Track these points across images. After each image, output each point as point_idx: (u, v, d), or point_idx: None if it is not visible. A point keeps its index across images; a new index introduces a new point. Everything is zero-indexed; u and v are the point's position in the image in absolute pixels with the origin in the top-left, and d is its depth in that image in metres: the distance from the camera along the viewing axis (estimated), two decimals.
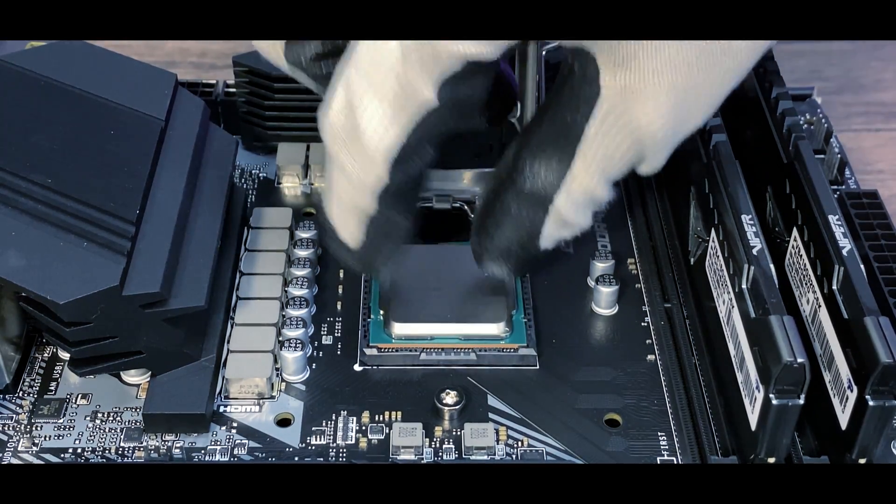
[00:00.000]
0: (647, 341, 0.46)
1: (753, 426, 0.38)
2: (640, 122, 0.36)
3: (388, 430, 0.42)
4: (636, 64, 0.35)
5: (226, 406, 0.43)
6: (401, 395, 0.43)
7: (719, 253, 0.42)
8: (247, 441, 0.41)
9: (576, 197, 0.38)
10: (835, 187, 0.52)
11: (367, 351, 0.44)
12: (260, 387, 0.43)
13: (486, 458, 0.41)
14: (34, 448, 0.41)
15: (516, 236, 0.40)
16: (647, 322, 0.46)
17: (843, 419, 0.38)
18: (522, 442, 0.42)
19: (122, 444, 0.41)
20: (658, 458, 0.41)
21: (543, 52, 0.47)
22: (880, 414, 0.36)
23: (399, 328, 0.44)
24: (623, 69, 0.35)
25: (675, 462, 0.41)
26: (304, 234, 0.49)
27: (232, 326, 0.45)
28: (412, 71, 0.35)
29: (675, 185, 0.51)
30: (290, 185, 0.53)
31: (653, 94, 0.35)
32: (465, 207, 0.51)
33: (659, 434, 0.42)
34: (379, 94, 0.35)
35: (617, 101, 0.36)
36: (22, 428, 0.42)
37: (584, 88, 0.36)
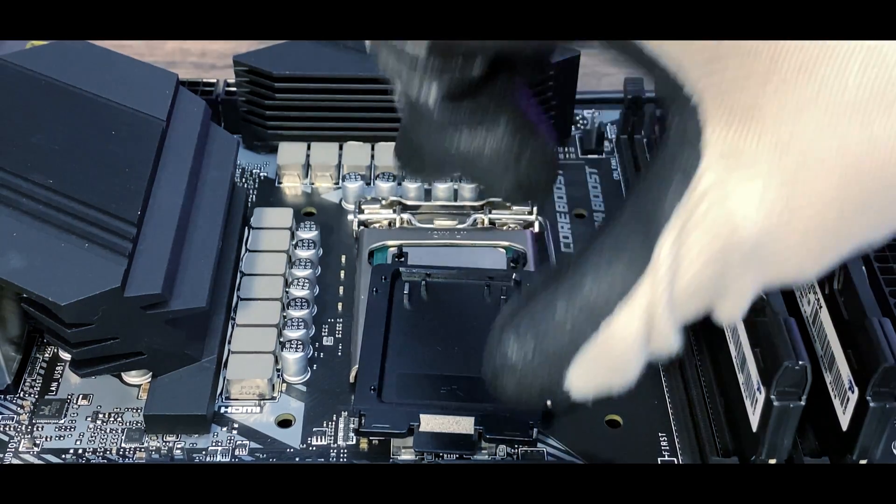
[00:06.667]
0: None
1: (755, 428, 0.38)
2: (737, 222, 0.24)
3: None
4: (768, 114, 0.21)
5: (227, 407, 0.43)
6: None
7: None
8: (248, 442, 0.41)
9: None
10: None
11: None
12: (261, 388, 0.43)
13: (486, 458, 0.41)
14: (35, 449, 0.41)
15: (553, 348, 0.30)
16: None
17: (844, 420, 0.38)
18: None
19: (123, 445, 0.41)
20: (659, 459, 0.41)
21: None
22: (881, 415, 0.36)
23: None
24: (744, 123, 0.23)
25: (676, 463, 0.41)
26: (305, 235, 0.49)
27: (233, 327, 0.45)
28: None
29: None
30: (291, 185, 0.53)
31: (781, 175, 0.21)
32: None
33: (660, 435, 0.42)
34: None
35: (722, 175, 0.24)
36: (23, 428, 0.42)
37: (682, 151, 0.25)
